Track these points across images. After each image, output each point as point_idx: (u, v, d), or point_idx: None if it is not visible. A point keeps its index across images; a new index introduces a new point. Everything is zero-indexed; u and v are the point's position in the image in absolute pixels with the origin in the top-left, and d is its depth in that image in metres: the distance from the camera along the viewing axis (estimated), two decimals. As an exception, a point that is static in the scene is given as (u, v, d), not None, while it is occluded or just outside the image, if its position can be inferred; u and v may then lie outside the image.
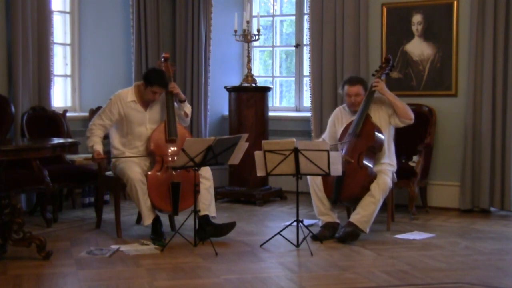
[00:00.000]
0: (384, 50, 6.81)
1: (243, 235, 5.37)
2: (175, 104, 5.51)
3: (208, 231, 5.11)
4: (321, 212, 5.34)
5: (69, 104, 7.19)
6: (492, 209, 6.44)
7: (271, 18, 8.24)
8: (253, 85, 7.14)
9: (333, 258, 4.70)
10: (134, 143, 5.40)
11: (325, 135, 5.74)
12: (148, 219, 5.16)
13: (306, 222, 5.33)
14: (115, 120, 5.39)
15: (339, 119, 5.67)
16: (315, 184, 5.33)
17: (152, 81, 5.33)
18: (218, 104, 7.89)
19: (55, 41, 6.90)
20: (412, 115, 5.49)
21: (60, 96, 7.19)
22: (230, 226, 5.23)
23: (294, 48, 7.86)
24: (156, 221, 5.18)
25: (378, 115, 5.53)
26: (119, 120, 5.39)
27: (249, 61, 7.31)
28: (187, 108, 5.56)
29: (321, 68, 7.09)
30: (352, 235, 5.10)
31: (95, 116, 5.50)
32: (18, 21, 6.15)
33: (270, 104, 7.44)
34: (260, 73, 8.29)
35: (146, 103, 5.45)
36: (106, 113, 5.40)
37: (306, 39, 7.60)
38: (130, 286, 4.05)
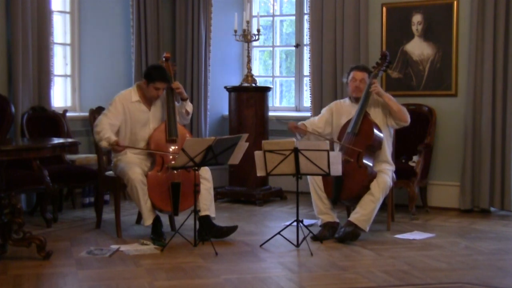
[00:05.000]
0: (384, 50, 6.81)
1: (243, 235, 5.37)
2: (177, 102, 5.52)
3: (209, 232, 5.11)
4: (320, 211, 5.35)
5: (69, 104, 7.19)
6: (492, 209, 6.44)
7: (271, 18, 8.24)
8: (253, 85, 7.14)
9: (333, 258, 4.70)
10: (138, 144, 5.38)
11: (318, 118, 5.67)
12: (148, 220, 5.15)
13: (306, 222, 5.32)
14: (121, 121, 5.33)
15: (339, 109, 5.64)
16: (315, 183, 5.33)
17: (154, 77, 5.31)
18: (218, 104, 7.89)
19: (55, 41, 6.90)
20: (407, 118, 5.44)
21: (60, 96, 7.19)
22: (231, 229, 5.25)
23: (294, 48, 7.86)
24: (156, 221, 5.18)
25: (375, 115, 5.52)
26: (123, 121, 5.36)
27: (249, 61, 7.31)
28: (189, 106, 5.55)
29: (321, 68, 7.10)
30: (352, 235, 5.10)
31: (98, 117, 5.34)
32: (18, 21, 6.15)
33: (270, 104, 7.45)
34: (260, 73, 8.29)
35: (149, 103, 5.44)
36: (112, 112, 5.30)
37: (306, 39, 7.60)
38: (130, 286, 4.05)
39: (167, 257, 4.71)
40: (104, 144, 5.19)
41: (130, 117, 5.37)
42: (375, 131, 5.38)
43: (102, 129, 5.20)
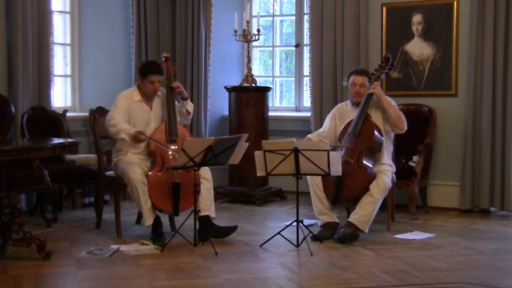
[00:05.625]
0: (384, 50, 6.81)
1: (243, 235, 5.37)
2: (177, 102, 5.52)
3: (209, 232, 5.11)
4: (320, 211, 5.35)
5: (69, 104, 7.19)
6: (492, 209, 6.44)
7: (271, 18, 8.24)
8: (253, 85, 7.14)
9: (333, 258, 4.70)
10: (140, 145, 5.37)
11: (322, 130, 5.71)
12: (148, 220, 5.15)
13: (306, 222, 5.32)
14: (126, 118, 5.33)
15: (342, 114, 5.65)
16: (314, 184, 5.34)
17: (147, 70, 5.33)
18: (218, 104, 7.89)
19: (55, 41, 6.90)
20: (404, 126, 5.43)
21: (60, 96, 7.19)
22: (231, 229, 5.25)
23: (294, 48, 7.86)
24: (156, 221, 5.18)
25: (375, 119, 5.52)
26: (127, 119, 5.37)
27: (249, 61, 7.31)
28: (189, 106, 5.55)
29: (321, 68, 7.10)
30: (351, 236, 5.09)
31: (108, 114, 5.33)
32: (18, 21, 6.15)
33: (270, 104, 7.44)
34: (260, 73, 8.29)
35: (151, 102, 5.44)
36: (119, 108, 5.31)
37: (306, 39, 7.60)
38: (130, 286, 4.05)
39: (167, 257, 4.71)
40: (122, 135, 5.19)
41: (132, 116, 5.37)
42: (376, 132, 5.39)
43: (118, 122, 5.22)
